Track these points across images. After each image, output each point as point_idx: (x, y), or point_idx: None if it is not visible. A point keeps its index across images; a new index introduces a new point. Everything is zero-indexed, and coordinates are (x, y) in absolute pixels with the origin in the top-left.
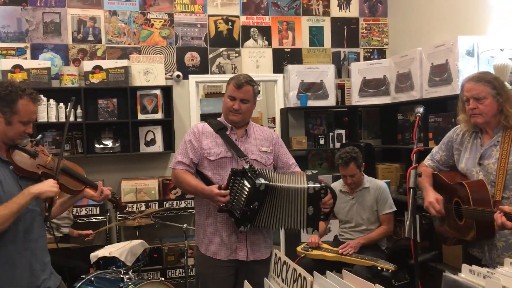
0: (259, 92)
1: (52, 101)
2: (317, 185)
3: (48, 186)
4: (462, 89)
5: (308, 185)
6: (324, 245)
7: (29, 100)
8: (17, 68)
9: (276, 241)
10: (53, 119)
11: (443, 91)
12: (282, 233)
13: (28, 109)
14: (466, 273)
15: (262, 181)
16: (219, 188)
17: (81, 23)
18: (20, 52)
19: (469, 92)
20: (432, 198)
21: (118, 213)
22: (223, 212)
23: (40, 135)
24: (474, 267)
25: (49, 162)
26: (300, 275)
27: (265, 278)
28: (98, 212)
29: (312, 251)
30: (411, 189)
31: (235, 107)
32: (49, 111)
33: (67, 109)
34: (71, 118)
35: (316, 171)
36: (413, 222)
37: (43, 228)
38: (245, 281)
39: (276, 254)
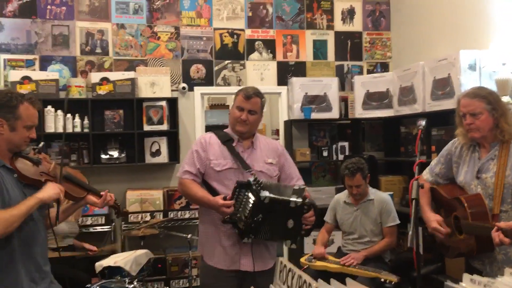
0: None
1: (59, 112)
2: (300, 200)
3: (52, 189)
4: (459, 105)
5: (291, 199)
6: (328, 257)
7: (29, 104)
8: (26, 79)
9: (279, 253)
10: (60, 130)
11: (446, 105)
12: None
13: (30, 113)
14: (467, 283)
15: (267, 194)
16: (224, 199)
17: (89, 36)
18: (29, 64)
19: (465, 108)
20: (434, 223)
21: (123, 222)
22: (227, 223)
23: (42, 143)
24: (475, 277)
25: (52, 169)
26: (305, 281)
27: (270, 285)
28: (103, 222)
29: (315, 262)
30: (414, 200)
31: (242, 117)
32: (56, 122)
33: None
34: (78, 129)
35: (304, 186)
36: (415, 233)
37: (45, 237)
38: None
39: (281, 262)
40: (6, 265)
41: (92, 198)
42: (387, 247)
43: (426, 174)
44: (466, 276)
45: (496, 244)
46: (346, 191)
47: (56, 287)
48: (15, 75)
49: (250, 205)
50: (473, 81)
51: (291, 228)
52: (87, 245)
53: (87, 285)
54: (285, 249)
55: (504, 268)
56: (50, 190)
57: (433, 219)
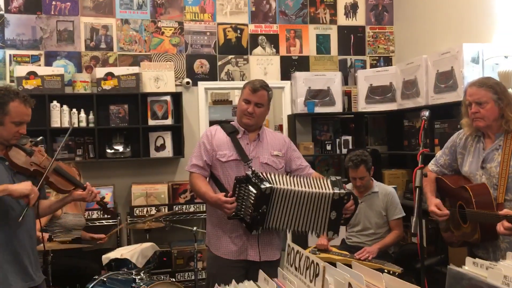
0: None
1: (65, 107)
2: (342, 191)
3: (25, 185)
4: (465, 94)
5: (334, 191)
6: (332, 248)
7: (20, 102)
8: (32, 74)
9: (283, 245)
10: (66, 125)
11: (449, 98)
12: (289, 237)
13: (20, 111)
14: (469, 266)
15: (267, 185)
16: (226, 196)
17: (94, 31)
18: (35, 59)
19: (471, 96)
20: (432, 206)
21: (128, 216)
22: (233, 219)
23: (41, 137)
24: (477, 260)
25: (43, 162)
26: (312, 262)
27: (278, 268)
28: (109, 216)
29: (319, 254)
30: (417, 188)
31: (249, 110)
32: (62, 116)
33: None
34: (83, 124)
35: (340, 177)
36: (419, 220)
37: (33, 221)
38: (260, 270)
39: (289, 245)
40: None
41: (79, 193)
42: (397, 239)
43: (431, 165)
44: (468, 260)
45: (500, 233)
46: (350, 184)
47: (40, 274)
48: (21, 70)
49: (253, 198)
50: (476, 74)
51: (334, 219)
52: (95, 235)
53: (94, 277)
54: (289, 240)
55: None
56: (22, 186)
57: (432, 203)
